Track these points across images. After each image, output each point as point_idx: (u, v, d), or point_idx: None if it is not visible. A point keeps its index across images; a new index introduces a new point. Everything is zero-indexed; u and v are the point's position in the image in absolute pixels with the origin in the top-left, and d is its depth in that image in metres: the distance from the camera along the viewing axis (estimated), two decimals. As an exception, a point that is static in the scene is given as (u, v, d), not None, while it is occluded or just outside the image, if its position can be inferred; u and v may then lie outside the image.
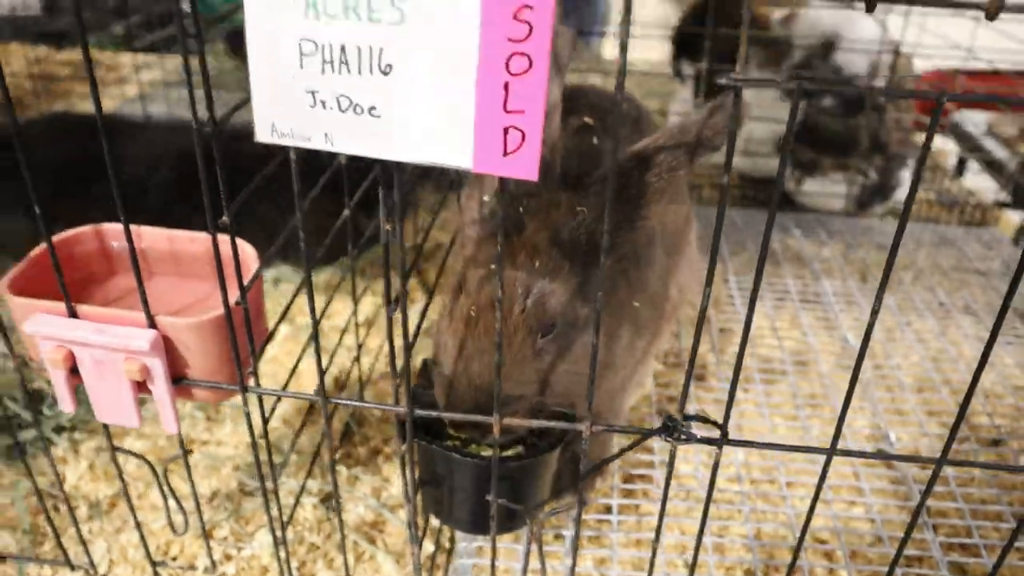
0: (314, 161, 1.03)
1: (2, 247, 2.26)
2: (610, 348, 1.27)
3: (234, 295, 1.04)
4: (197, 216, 2.00)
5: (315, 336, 1.02)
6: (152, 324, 1.07)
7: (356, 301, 1.59)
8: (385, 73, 0.81)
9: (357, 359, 1.67)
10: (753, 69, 2.76)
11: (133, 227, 1.24)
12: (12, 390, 1.78)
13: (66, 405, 1.16)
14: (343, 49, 0.81)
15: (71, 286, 1.13)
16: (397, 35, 0.78)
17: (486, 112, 0.79)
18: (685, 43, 3.12)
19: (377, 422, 1.77)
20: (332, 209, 1.55)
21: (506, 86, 0.78)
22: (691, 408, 1.81)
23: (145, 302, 1.05)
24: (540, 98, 0.78)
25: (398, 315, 0.96)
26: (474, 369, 1.12)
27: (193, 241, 1.30)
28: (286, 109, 0.86)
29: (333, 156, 1.98)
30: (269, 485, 1.23)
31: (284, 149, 0.90)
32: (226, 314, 1.04)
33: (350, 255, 1.51)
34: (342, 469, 1.63)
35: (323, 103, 0.84)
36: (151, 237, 1.30)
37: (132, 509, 1.25)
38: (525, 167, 0.81)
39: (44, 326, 1.08)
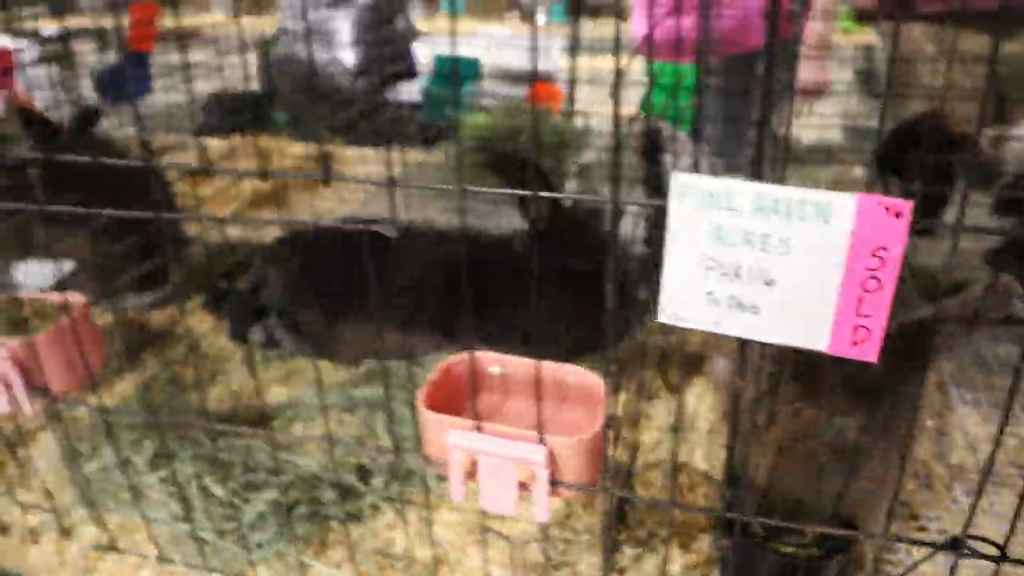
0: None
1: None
2: (885, 470, 1.55)
3: (580, 411, 1.40)
4: (460, 321, 2.36)
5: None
6: (541, 440, 1.44)
7: (672, 401, 1.92)
8: (768, 285, 1.14)
9: (633, 455, 2.00)
10: (962, 189, 2.95)
11: (502, 356, 1.64)
12: (341, 468, 2.21)
13: (457, 496, 1.53)
14: (738, 267, 1.14)
15: (453, 400, 1.52)
16: (782, 262, 1.11)
17: (843, 316, 1.11)
18: (889, 162, 3.33)
19: (647, 506, 2.09)
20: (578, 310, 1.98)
21: (860, 299, 1.10)
22: (929, 512, 2.04)
23: (540, 423, 1.42)
24: (885, 307, 1.09)
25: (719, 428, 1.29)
26: (785, 486, 1.43)
27: (545, 368, 1.67)
28: (687, 303, 1.20)
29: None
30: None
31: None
32: (603, 433, 1.41)
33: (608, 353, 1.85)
34: (626, 549, 1.96)
35: (716, 301, 1.18)
36: (513, 363, 1.68)
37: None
38: (868, 353, 1.12)
39: (461, 439, 1.46)
